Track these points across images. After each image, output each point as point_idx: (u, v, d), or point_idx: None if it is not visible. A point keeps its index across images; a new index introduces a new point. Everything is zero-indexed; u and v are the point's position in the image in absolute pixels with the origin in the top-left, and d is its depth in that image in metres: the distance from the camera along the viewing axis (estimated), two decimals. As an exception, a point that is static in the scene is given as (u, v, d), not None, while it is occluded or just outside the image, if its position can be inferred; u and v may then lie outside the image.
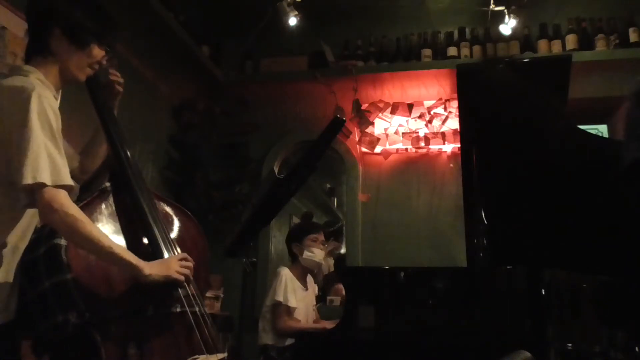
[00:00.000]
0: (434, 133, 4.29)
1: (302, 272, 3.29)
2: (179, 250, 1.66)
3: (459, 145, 3.86)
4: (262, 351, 3.10)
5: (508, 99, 2.39)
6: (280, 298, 3.07)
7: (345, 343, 2.26)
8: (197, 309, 1.61)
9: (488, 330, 2.09)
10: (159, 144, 3.94)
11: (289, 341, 3.07)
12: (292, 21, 4.11)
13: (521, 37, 4.26)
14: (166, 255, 1.60)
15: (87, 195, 1.63)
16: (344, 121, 2.12)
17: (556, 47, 4.15)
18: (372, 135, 4.40)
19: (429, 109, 4.34)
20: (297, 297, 3.17)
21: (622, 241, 2.13)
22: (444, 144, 4.27)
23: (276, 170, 4.47)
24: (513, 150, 2.30)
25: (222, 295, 3.80)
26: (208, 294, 3.58)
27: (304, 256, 3.24)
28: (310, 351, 2.46)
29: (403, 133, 4.37)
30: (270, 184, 2.26)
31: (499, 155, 2.34)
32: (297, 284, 3.22)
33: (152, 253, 1.59)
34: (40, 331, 1.46)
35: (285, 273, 3.19)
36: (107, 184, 1.68)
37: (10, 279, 1.46)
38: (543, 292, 2.06)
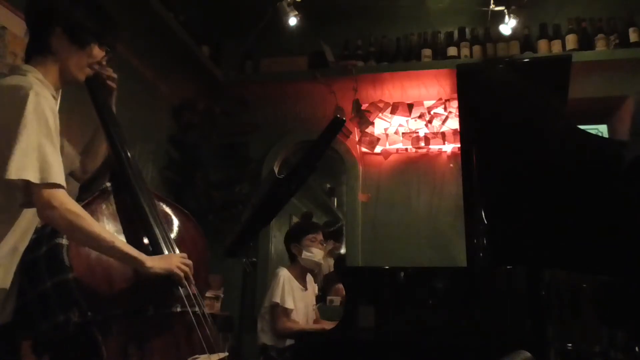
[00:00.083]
0: (434, 133, 4.29)
1: (301, 272, 3.29)
2: (178, 251, 1.66)
3: (459, 145, 3.86)
4: (262, 351, 3.10)
5: (508, 99, 2.40)
6: (277, 299, 3.07)
7: (345, 343, 2.26)
8: (197, 309, 1.61)
9: (488, 330, 2.09)
10: (159, 144, 3.94)
11: (289, 342, 3.07)
12: (292, 21, 4.11)
13: (521, 37, 4.26)
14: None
15: (87, 195, 1.63)
16: (344, 121, 2.12)
17: (556, 47, 4.15)
18: (372, 135, 4.40)
19: (429, 109, 4.34)
20: (296, 297, 3.16)
21: (622, 241, 2.13)
22: (444, 144, 4.27)
23: (276, 170, 4.47)
24: (513, 151, 2.31)
25: (222, 295, 3.80)
26: (208, 294, 3.58)
27: (303, 256, 3.24)
28: (310, 351, 2.46)
29: (403, 133, 4.37)
30: (270, 184, 2.27)
31: (499, 155, 2.34)
32: (296, 284, 3.22)
33: (152, 253, 1.59)
34: (41, 331, 1.45)
35: (284, 274, 3.19)
36: (108, 184, 1.68)
37: (8, 283, 1.45)
38: (543, 292, 2.06)
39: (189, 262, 1.60)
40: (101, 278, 1.50)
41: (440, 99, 4.32)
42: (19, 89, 1.41)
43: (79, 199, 1.52)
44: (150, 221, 1.63)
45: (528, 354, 1.45)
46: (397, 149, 4.40)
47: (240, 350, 2.74)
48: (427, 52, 4.35)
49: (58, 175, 1.41)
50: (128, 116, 3.13)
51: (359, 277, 2.49)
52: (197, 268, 1.65)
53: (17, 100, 1.39)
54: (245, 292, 2.99)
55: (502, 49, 4.25)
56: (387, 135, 4.41)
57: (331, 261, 4.68)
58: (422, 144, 4.31)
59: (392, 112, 4.37)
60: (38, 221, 1.53)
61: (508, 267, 2.14)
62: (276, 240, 4.53)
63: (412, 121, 4.37)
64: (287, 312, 3.09)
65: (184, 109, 4.17)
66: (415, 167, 4.38)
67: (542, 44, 4.19)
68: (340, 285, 3.94)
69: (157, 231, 1.62)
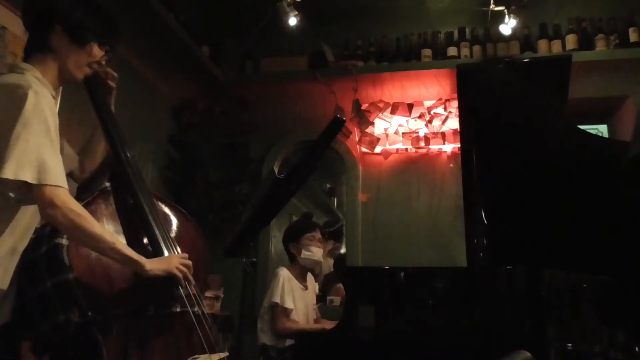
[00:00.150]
0: (434, 133, 4.29)
1: (301, 271, 3.29)
2: (179, 249, 1.66)
3: (459, 145, 3.86)
4: (262, 351, 3.10)
5: (508, 99, 2.39)
6: (277, 299, 3.07)
7: (345, 343, 2.26)
8: (197, 309, 1.61)
9: (488, 330, 2.09)
10: (159, 144, 3.94)
11: (289, 342, 3.07)
12: (292, 21, 4.11)
13: (521, 37, 4.26)
14: (167, 254, 1.60)
15: (86, 195, 1.63)
16: (344, 121, 2.12)
17: (556, 47, 4.15)
18: (372, 135, 4.40)
19: (429, 109, 4.34)
20: (296, 297, 3.16)
21: (622, 241, 2.13)
22: (444, 144, 4.27)
23: (276, 170, 4.47)
24: (513, 151, 2.31)
25: (222, 295, 3.80)
26: (208, 294, 3.58)
27: (302, 256, 3.23)
28: (310, 351, 2.46)
29: (403, 133, 4.37)
30: (270, 184, 2.26)
31: (499, 155, 2.34)
32: (296, 284, 3.21)
33: (152, 252, 1.59)
34: (41, 331, 1.45)
35: (283, 274, 3.18)
36: (107, 184, 1.68)
37: (6, 283, 1.44)
38: (543, 292, 2.06)
39: (189, 262, 1.61)
40: (101, 278, 1.50)
41: (440, 99, 4.32)
42: (18, 88, 1.41)
43: (78, 199, 1.51)
44: (150, 221, 1.63)
45: (528, 354, 1.45)
46: (397, 149, 4.40)
47: (240, 350, 2.74)
48: (427, 52, 4.35)
49: (58, 175, 1.40)
50: (128, 116, 3.14)
51: (359, 277, 2.49)
52: (196, 268, 1.65)
53: (16, 99, 1.38)
54: (245, 292, 3.00)
55: (502, 49, 4.25)
56: (387, 135, 4.41)
57: (331, 261, 4.68)
58: (422, 144, 4.31)
59: (392, 112, 4.37)
60: (38, 221, 1.53)
61: (508, 267, 2.13)
62: (276, 240, 4.53)
63: (412, 121, 4.37)
64: (287, 312, 3.08)
65: (184, 109, 4.17)
66: (415, 167, 4.38)
67: (542, 44, 4.19)
68: (340, 285, 3.94)
69: (157, 231, 1.62)
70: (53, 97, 1.53)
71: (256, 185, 4.35)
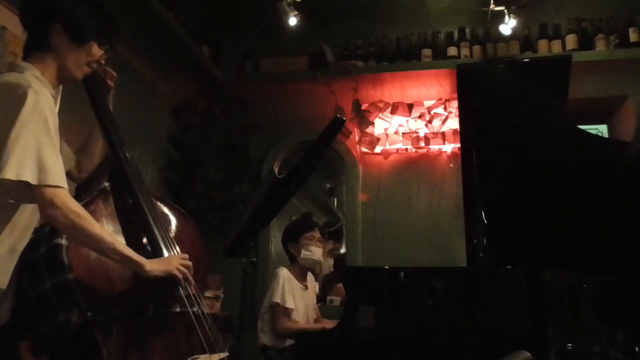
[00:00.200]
0: (434, 133, 4.29)
1: (301, 271, 3.28)
2: (178, 249, 1.66)
3: (459, 145, 3.86)
4: (262, 351, 3.09)
5: (508, 99, 2.39)
6: (277, 299, 3.06)
7: (345, 343, 2.26)
8: (197, 309, 1.61)
9: (488, 330, 2.09)
10: (159, 144, 3.94)
11: (289, 342, 3.07)
12: (292, 21, 4.11)
13: (521, 37, 4.25)
14: (166, 254, 1.60)
15: (86, 195, 1.62)
16: (344, 121, 2.12)
17: (556, 47, 4.15)
18: (372, 135, 4.40)
19: (429, 109, 4.34)
20: (297, 296, 3.16)
21: (622, 241, 2.13)
22: (444, 144, 4.27)
23: (276, 170, 4.47)
24: (513, 150, 2.30)
25: (222, 295, 3.80)
26: (208, 294, 3.58)
27: (302, 256, 3.23)
28: (310, 351, 2.46)
29: (403, 133, 4.37)
30: (270, 184, 2.26)
31: (499, 155, 2.33)
32: (296, 283, 3.21)
33: (152, 252, 1.59)
34: (41, 331, 1.45)
35: (284, 274, 3.18)
36: (106, 184, 1.68)
37: (5, 283, 1.44)
38: (543, 292, 2.06)
39: (189, 263, 1.60)
40: (101, 278, 1.50)
41: (440, 99, 4.32)
42: (18, 87, 1.40)
43: (77, 199, 1.51)
44: (150, 221, 1.63)
45: (528, 354, 1.45)
46: (397, 149, 4.40)
47: (240, 350, 2.74)
48: (427, 52, 4.35)
49: (58, 175, 1.40)
50: (128, 116, 3.14)
51: (359, 277, 2.49)
52: (196, 268, 1.65)
53: (15, 99, 1.38)
54: (245, 292, 3.00)
55: (502, 49, 4.25)
56: (387, 135, 4.40)
57: (331, 261, 4.67)
58: (422, 144, 4.31)
59: (392, 112, 4.37)
60: (37, 220, 1.53)
61: (508, 267, 2.14)
62: (276, 240, 4.52)
63: (412, 121, 4.37)
64: (287, 311, 3.08)
65: (184, 109, 4.17)
66: (415, 167, 4.38)
67: (542, 44, 4.19)
68: (340, 285, 3.94)
69: (156, 231, 1.62)
70: (52, 96, 1.52)
71: (256, 185, 4.35)
